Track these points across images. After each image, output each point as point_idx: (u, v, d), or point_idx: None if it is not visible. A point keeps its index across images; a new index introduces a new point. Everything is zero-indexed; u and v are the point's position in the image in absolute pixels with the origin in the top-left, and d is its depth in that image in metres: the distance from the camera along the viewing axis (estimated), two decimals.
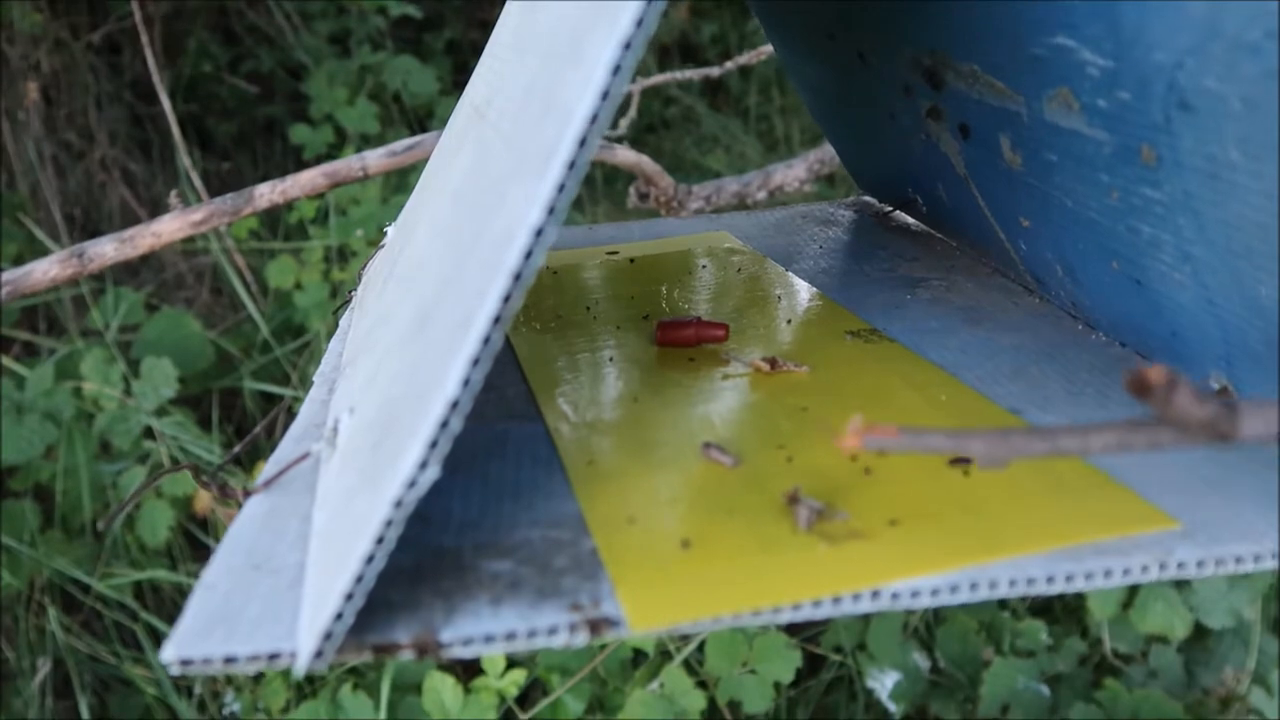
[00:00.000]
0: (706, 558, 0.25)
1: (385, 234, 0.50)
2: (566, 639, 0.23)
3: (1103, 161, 0.31)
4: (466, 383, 0.20)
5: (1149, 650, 0.90)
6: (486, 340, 0.20)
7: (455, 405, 0.20)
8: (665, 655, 0.86)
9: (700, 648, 0.84)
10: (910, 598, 0.24)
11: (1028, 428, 0.23)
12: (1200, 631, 0.88)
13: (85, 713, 0.96)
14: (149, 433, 1.05)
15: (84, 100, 1.64)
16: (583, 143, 0.19)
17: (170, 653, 0.22)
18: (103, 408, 1.05)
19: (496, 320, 0.20)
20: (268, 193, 0.81)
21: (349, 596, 0.21)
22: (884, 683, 0.90)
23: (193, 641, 0.23)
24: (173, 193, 0.78)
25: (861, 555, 0.25)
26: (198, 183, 1.34)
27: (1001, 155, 0.39)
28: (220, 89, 1.78)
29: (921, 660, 0.90)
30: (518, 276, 0.20)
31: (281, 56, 1.79)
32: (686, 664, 0.84)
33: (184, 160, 1.35)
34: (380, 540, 0.21)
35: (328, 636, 0.22)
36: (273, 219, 1.49)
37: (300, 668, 0.22)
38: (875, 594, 0.24)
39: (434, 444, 0.21)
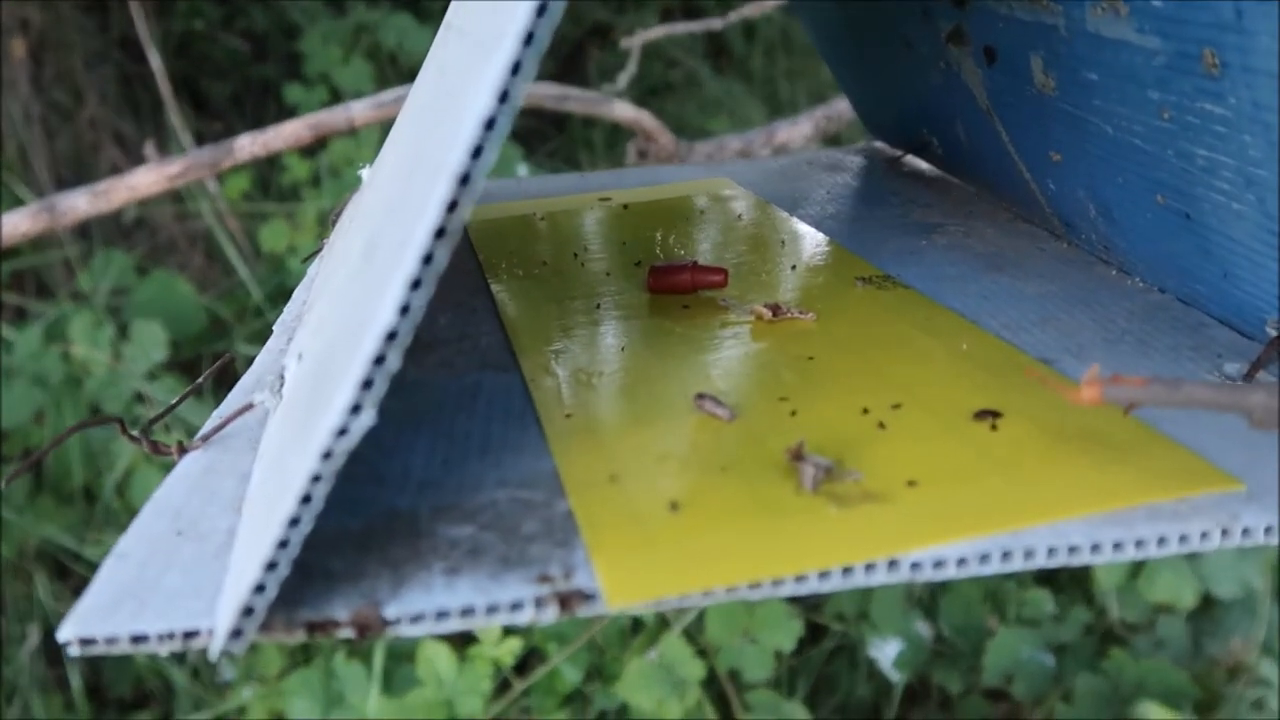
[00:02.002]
0: (697, 522, 0.22)
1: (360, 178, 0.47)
2: (532, 615, 0.20)
3: (1153, 75, 0.27)
4: (405, 310, 0.17)
5: (1156, 620, 0.88)
6: (428, 259, 0.17)
7: (392, 337, 0.17)
8: (665, 623, 0.83)
9: (700, 616, 0.81)
10: (933, 568, 0.21)
11: None
12: (1208, 601, 0.86)
13: (77, 681, 0.94)
14: (140, 398, 1.02)
15: (72, 59, 1.59)
16: (542, 10, 0.15)
17: (68, 631, 0.19)
18: (92, 372, 1.02)
19: (440, 234, 0.17)
20: (248, 145, 0.78)
21: (271, 565, 0.18)
22: (886, 651, 0.88)
23: (95, 618, 0.19)
24: (147, 143, 0.74)
25: (876, 519, 0.22)
26: (189, 143, 1.30)
27: (1031, 80, 0.35)
28: (213, 49, 1.73)
29: (924, 629, 0.88)
30: (464, 180, 0.16)
31: (275, 16, 1.74)
32: (686, 632, 0.81)
33: (172, 117, 1.31)
34: (307, 499, 0.18)
35: (248, 612, 0.18)
36: (266, 182, 1.45)
37: (214, 649, 0.19)
38: (892, 564, 0.21)
39: (368, 384, 0.17)
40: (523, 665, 0.86)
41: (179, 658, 0.94)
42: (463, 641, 0.83)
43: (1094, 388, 0.19)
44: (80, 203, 0.73)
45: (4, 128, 1.46)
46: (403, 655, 0.85)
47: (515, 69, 0.16)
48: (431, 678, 0.80)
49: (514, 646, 0.79)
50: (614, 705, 0.82)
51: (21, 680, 0.95)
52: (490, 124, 0.16)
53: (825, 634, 0.92)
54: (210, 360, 1.22)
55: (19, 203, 1.35)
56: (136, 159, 1.58)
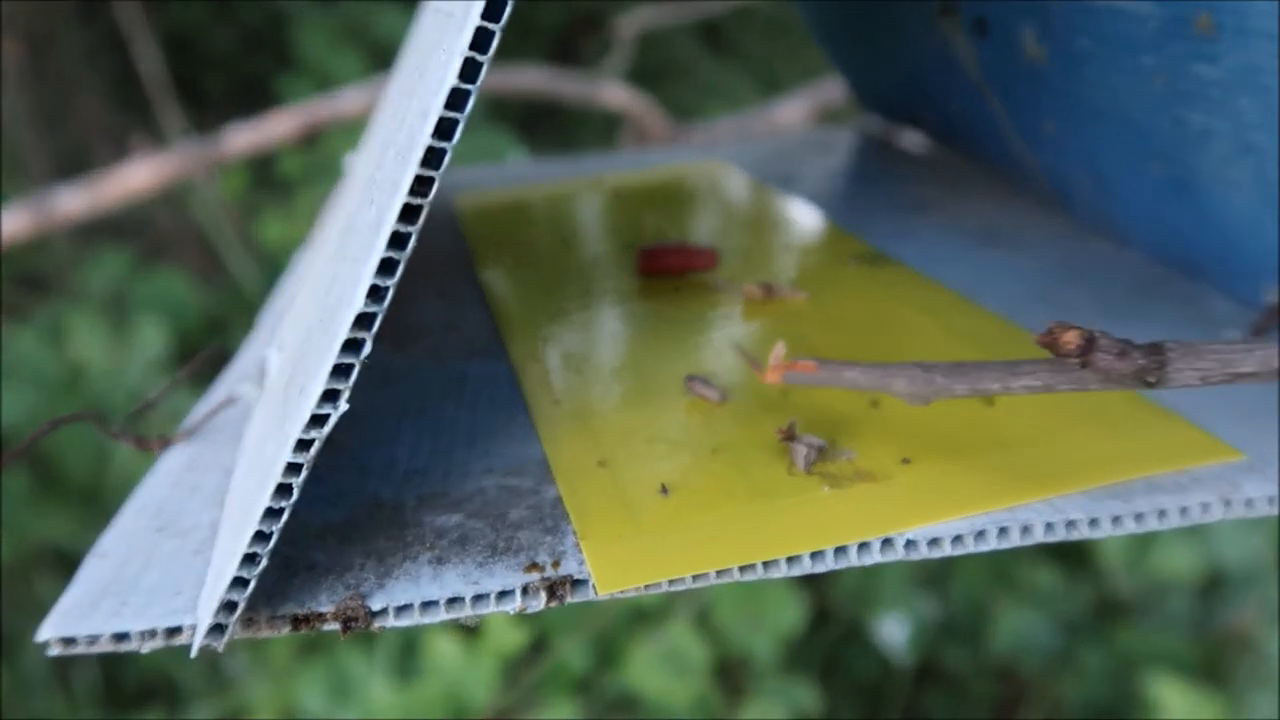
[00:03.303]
0: (688, 505, 0.22)
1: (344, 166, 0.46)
2: (519, 604, 0.19)
3: (1147, 40, 0.27)
4: (377, 294, 0.16)
5: (1164, 594, 0.87)
6: (398, 241, 0.16)
7: (364, 322, 0.17)
8: (672, 607, 0.83)
9: (711, 598, 0.81)
10: (928, 547, 0.20)
11: (952, 363, 0.21)
12: (1218, 575, 0.85)
13: (94, 676, 0.94)
14: (139, 396, 1.02)
15: (67, 56, 1.58)
16: None
17: (48, 631, 0.19)
18: (91, 370, 1.02)
19: (410, 215, 0.16)
20: (239, 136, 0.77)
21: (251, 559, 0.18)
22: (893, 631, 0.88)
23: (75, 617, 0.19)
24: (134, 137, 0.73)
25: (870, 498, 0.21)
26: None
27: (1024, 51, 0.34)
28: (208, 45, 1.72)
29: (931, 608, 0.88)
30: (433, 158, 0.16)
31: (268, 11, 1.73)
32: (695, 615, 0.81)
33: (165, 113, 1.30)
34: (285, 490, 0.17)
35: (229, 607, 0.18)
36: (262, 175, 1.44)
37: (195, 645, 0.18)
38: (886, 543, 0.20)
39: (340, 371, 0.17)
40: (530, 652, 0.86)
41: (184, 653, 0.94)
42: (470, 632, 0.83)
43: (776, 372, 0.22)
44: (71, 200, 0.72)
45: (1, 126, 1.45)
46: (411, 647, 0.85)
47: (480, 42, 0.15)
48: (438, 670, 0.80)
49: (519, 638, 0.79)
50: (622, 691, 0.82)
51: (27, 678, 0.95)
52: (456, 100, 0.15)
53: (833, 615, 0.92)
54: (207, 355, 1.21)
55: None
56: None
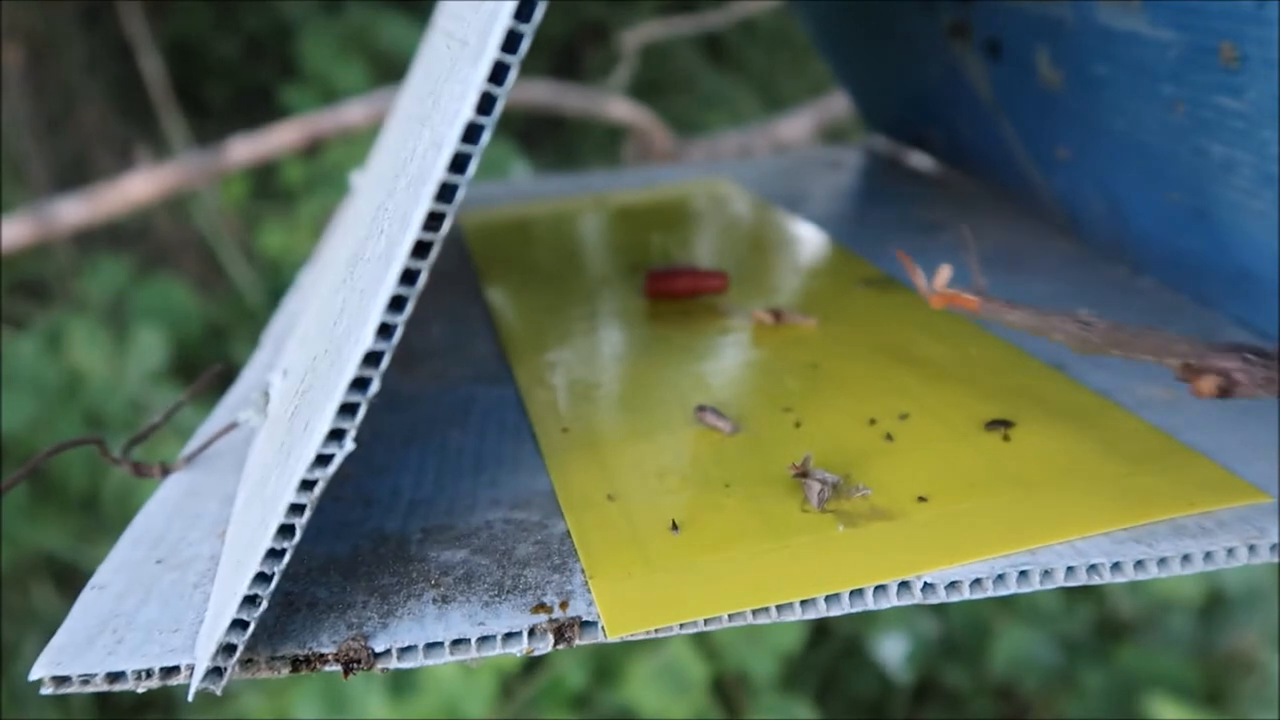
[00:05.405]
0: (699, 543, 0.21)
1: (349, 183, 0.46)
2: (526, 646, 0.19)
3: (1167, 69, 0.26)
4: (386, 331, 0.16)
5: (1165, 614, 0.87)
6: (410, 278, 0.16)
7: (373, 359, 0.16)
8: None
9: None
10: (946, 590, 0.20)
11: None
12: (1219, 596, 0.85)
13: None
14: (138, 406, 1.01)
15: (69, 64, 1.58)
16: (524, 13, 0.14)
17: (41, 669, 0.18)
18: (90, 379, 1.01)
19: (421, 251, 0.16)
20: (242, 148, 0.77)
21: (252, 600, 0.17)
22: (892, 649, 0.87)
23: (70, 655, 0.19)
24: (138, 148, 0.73)
25: (886, 539, 0.21)
26: (188, 148, 1.29)
27: (1038, 74, 0.34)
28: (211, 52, 1.72)
29: (931, 626, 0.87)
30: (446, 193, 0.15)
31: (272, 19, 1.73)
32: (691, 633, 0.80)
33: (167, 122, 1.30)
34: (288, 530, 0.17)
35: (227, 650, 0.17)
36: (263, 184, 1.44)
37: (192, 688, 0.18)
38: (904, 586, 0.20)
39: (348, 410, 0.16)
40: (527, 667, 0.85)
41: None
42: None
43: (939, 300, 0.24)
44: (71, 210, 0.72)
45: (1, 134, 1.45)
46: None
47: (498, 75, 0.15)
48: (434, 684, 0.79)
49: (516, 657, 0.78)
50: (619, 708, 0.81)
51: (23, 687, 0.94)
52: (472, 134, 0.15)
53: (833, 634, 0.91)
54: (209, 367, 1.20)
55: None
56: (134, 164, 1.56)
